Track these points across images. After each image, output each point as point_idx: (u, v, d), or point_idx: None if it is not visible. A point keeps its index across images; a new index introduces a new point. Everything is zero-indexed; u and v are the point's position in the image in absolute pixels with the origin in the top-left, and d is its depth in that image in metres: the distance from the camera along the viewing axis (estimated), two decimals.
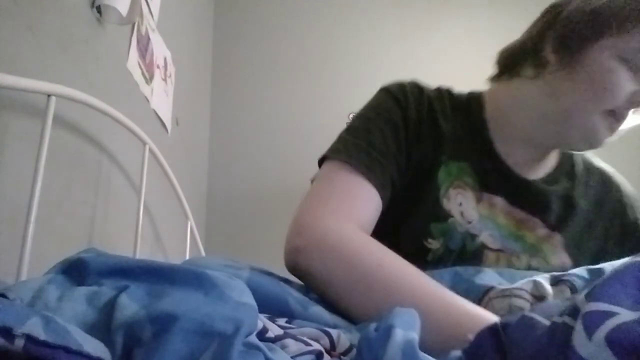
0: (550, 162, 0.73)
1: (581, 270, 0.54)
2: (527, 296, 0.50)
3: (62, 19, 0.86)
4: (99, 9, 0.97)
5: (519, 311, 0.46)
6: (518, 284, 0.53)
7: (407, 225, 0.65)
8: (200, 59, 2.05)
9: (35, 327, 0.24)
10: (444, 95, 0.73)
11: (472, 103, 0.73)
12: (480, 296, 0.53)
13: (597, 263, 0.63)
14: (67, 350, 0.24)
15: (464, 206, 0.66)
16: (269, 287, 0.46)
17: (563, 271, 0.60)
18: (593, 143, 0.65)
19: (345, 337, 0.39)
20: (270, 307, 0.44)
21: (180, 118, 1.62)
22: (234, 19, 2.31)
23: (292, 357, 0.33)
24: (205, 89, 2.13)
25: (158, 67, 1.37)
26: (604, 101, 0.62)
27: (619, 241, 0.72)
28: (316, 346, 0.36)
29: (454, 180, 0.67)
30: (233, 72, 2.23)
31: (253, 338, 0.32)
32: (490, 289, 0.53)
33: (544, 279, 0.53)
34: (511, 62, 0.74)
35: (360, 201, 0.60)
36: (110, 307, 0.30)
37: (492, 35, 2.26)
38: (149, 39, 1.29)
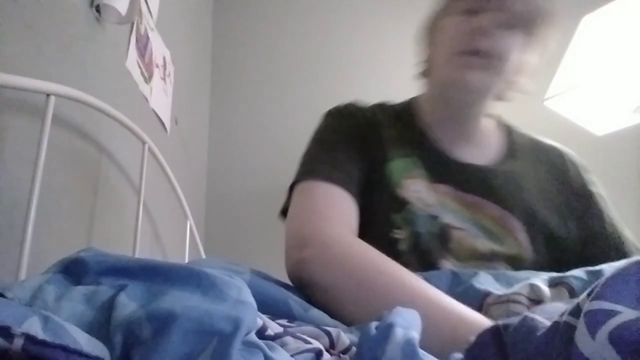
0: (494, 146, 0.79)
1: (579, 272, 0.54)
2: (525, 300, 0.50)
3: (61, 18, 0.86)
4: (98, 8, 0.97)
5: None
6: (515, 289, 0.53)
7: (371, 223, 0.67)
8: (199, 58, 2.05)
9: (33, 327, 0.24)
10: (384, 107, 0.82)
11: (411, 107, 0.82)
12: (478, 303, 0.53)
13: (556, 238, 0.72)
14: (66, 349, 0.24)
15: (421, 193, 0.70)
16: (270, 289, 0.46)
17: (520, 249, 0.68)
18: (459, 85, 0.71)
19: (345, 336, 0.39)
20: (272, 308, 0.44)
21: (180, 117, 1.62)
22: (233, 18, 2.31)
23: (291, 355, 0.33)
24: (204, 88, 2.12)
25: (157, 66, 1.37)
26: (444, 46, 0.72)
27: (576, 214, 0.75)
28: (316, 344, 0.36)
29: (405, 172, 0.72)
30: (232, 72, 2.23)
31: (252, 336, 0.32)
32: (487, 294, 0.53)
33: (541, 281, 0.53)
34: (419, 74, 0.83)
35: (344, 208, 0.64)
36: (109, 306, 0.30)
37: None
38: (148, 38, 1.29)
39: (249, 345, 0.30)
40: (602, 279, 0.26)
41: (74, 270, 0.34)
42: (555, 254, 0.71)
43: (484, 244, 0.68)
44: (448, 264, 0.66)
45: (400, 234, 0.67)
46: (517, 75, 0.75)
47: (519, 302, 0.50)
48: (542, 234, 0.71)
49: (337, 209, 0.63)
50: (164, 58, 1.45)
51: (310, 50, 2.20)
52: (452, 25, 0.72)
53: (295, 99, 2.15)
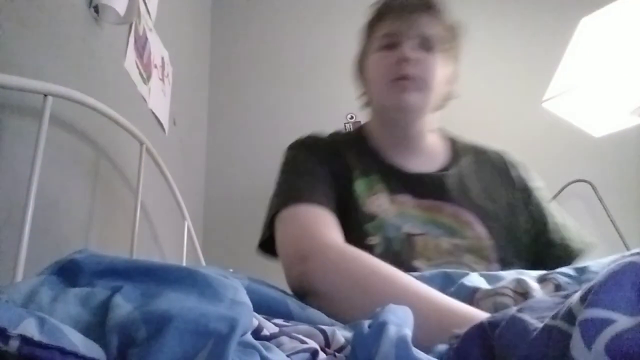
0: (441, 155, 0.89)
1: (566, 268, 0.56)
2: (510, 293, 0.52)
3: (60, 19, 0.86)
4: (96, 9, 0.97)
5: (503, 308, 0.47)
6: (502, 283, 0.55)
7: (348, 233, 0.72)
8: (198, 58, 2.05)
9: (29, 328, 0.24)
10: (339, 135, 0.94)
11: (362, 134, 0.92)
12: (469, 299, 0.55)
13: (509, 227, 0.81)
14: (62, 351, 0.24)
15: (383, 207, 0.78)
16: (269, 291, 0.47)
17: (480, 240, 0.76)
18: (396, 107, 0.83)
19: (339, 334, 0.39)
20: (271, 308, 0.44)
21: (178, 118, 1.62)
22: (232, 18, 2.31)
23: (287, 355, 0.33)
24: (203, 89, 2.12)
25: (155, 66, 1.37)
26: (381, 77, 0.83)
27: (520, 206, 0.85)
28: (311, 344, 0.36)
29: (368, 191, 0.81)
30: (231, 72, 2.22)
31: (248, 337, 0.31)
32: (476, 290, 0.55)
33: (529, 278, 0.55)
34: (363, 105, 0.96)
35: (329, 223, 0.70)
36: (104, 307, 0.30)
37: (488, 37, 2.26)
38: (146, 38, 1.29)
39: (245, 346, 0.30)
40: (596, 282, 0.26)
41: (68, 272, 0.34)
42: (514, 241, 0.80)
43: (446, 241, 0.75)
44: (419, 264, 0.72)
45: (374, 240, 0.75)
46: (444, 86, 0.88)
47: (505, 295, 0.52)
48: (496, 223, 0.80)
49: (324, 224, 0.69)
50: (163, 58, 1.45)
51: (309, 51, 2.20)
52: (378, 60, 0.85)
53: (294, 99, 2.15)
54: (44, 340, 0.24)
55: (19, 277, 0.62)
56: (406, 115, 0.85)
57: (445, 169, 0.86)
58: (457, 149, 0.91)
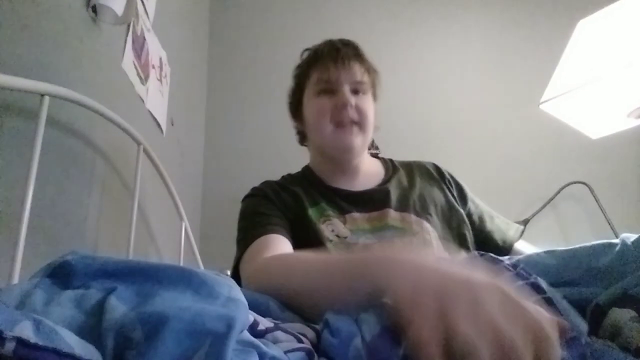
0: (378, 173, 1.02)
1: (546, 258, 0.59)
2: None
3: (57, 19, 0.85)
4: (94, 9, 0.96)
5: None
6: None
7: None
8: (196, 59, 2.05)
9: (25, 330, 0.24)
10: (288, 176, 1.06)
11: (307, 171, 1.06)
12: None
13: (452, 224, 0.94)
14: (58, 352, 0.24)
15: (336, 231, 0.88)
16: (253, 293, 0.48)
17: (429, 234, 0.87)
18: (341, 147, 0.94)
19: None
20: (253, 309, 0.45)
21: (176, 118, 1.62)
22: (230, 19, 2.31)
23: (285, 352, 0.33)
24: (200, 89, 2.12)
25: (153, 67, 1.37)
26: (323, 121, 0.93)
27: (458, 205, 0.98)
28: (307, 343, 0.36)
29: (321, 217, 0.90)
30: (229, 73, 2.22)
31: (246, 334, 0.31)
32: None
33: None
34: (300, 140, 1.12)
35: (275, 245, 0.79)
36: (99, 309, 0.29)
37: (485, 40, 2.27)
38: (144, 39, 1.29)
39: (243, 344, 0.30)
40: None
41: (61, 274, 0.33)
42: (458, 235, 0.92)
43: (400, 242, 0.85)
44: None
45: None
46: (373, 125, 0.98)
47: None
48: (438, 217, 0.93)
49: (271, 248, 0.78)
50: (161, 59, 1.45)
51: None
52: (317, 105, 0.95)
53: None
54: (40, 342, 0.24)
55: (16, 277, 0.62)
56: (349, 155, 0.96)
57: (383, 182, 0.99)
58: (391, 167, 1.05)
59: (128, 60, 1.16)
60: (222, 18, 2.30)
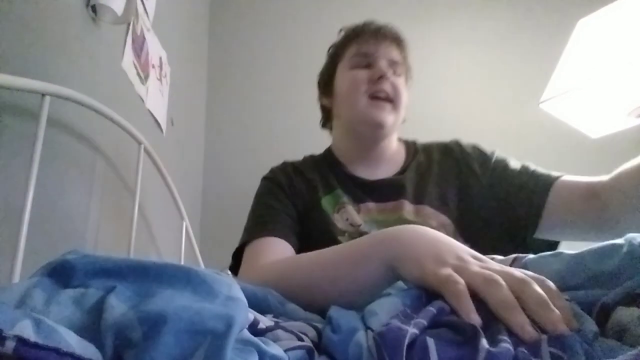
0: (399, 159, 0.97)
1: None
2: None
3: (57, 18, 0.85)
4: (94, 8, 0.96)
5: None
6: None
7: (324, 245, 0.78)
8: (195, 59, 2.05)
9: (26, 329, 0.24)
10: (307, 158, 1.03)
11: (328, 153, 1.02)
12: None
13: (469, 210, 0.85)
14: (58, 351, 0.24)
15: (350, 219, 0.86)
16: (253, 288, 0.48)
17: (445, 228, 0.82)
18: (373, 122, 0.89)
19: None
20: (253, 305, 0.45)
21: (176, 118, 1.62)
22: (229, 18, 2.31)
23: (284, 351, 0.33)
24: (200, 89, 2.12)
25: (153, 66, 1.37)
26: (357, 92, 0.89)
27: (479, 185, 0.89)
28: (307, 342, 0.36)
29: (335, 205, 0.89)
30: (229, 72, 2.22)
31: (245, 333, 0.31)
32: None
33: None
34: (324, 120, 1.08)
35: (279, 251, 0.78)
36: (98, 308, 0.30)
37: (485, 38, 2.27)
38: (144, 38, 1.29)
39: (243, 343, 0.30)
40: None
41: (61, 274, 0.34)
42: (475, 220, 0.85)
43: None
44: None
45: None
46: (404, 109, 0.94)
47: None
48: (457, 207, 0.86)
49: (273, 253, 0.77)
50: (160, 59, 1.45)
51: (307, 51, 2.20)
52: (352, 76, 0.91)
53: (291, 99, 2.15)
54: (40, 341, 0.24)
55: (17, 277, 0.62)
56: (378, 132, 0.91)
57: (402, 171, 0.94)
58: (412, 152, 0.99)
59: (128, 60, 1.16)
60: (222, 18, 2.30)
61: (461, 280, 0.39)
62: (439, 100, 2.12)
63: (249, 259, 0.80)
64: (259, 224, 0.85)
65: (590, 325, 0.33)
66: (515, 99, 2.16)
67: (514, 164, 0.90)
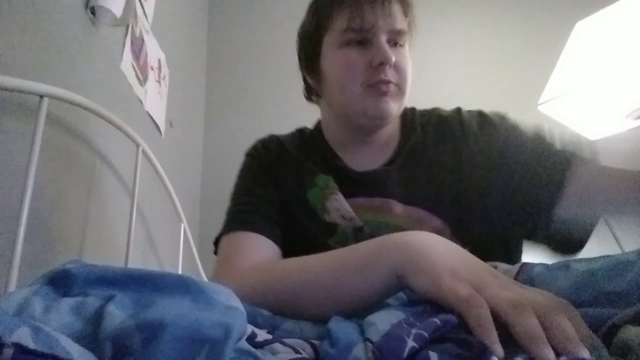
0: (390, 147, 0.80)
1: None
2: None
3: (56, 20, 0.85)
4: (92, 10, 0.96)
5: None
6: None
7: (311, 249, 0.67)
8: (194, 61, 2.05)
9: (24, 336, 0.24)
10: (295, 134, 0.90)
11: (316, 134, 0.87)
12: None
13: (473, 207, 0.72)
14: (57, 359, 0.24)
15: (342, 210, 0.74)
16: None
17: (439, 234, 0.66)
18: (373, 115, 0.73)
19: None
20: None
21: (174, 120, 1.62)
22: (228, 21, 2.31)
23: None
24: (199, 91, 2.12)
25: (152, 69, 1.37)
26: (352, 81, 0.72)
27: (482, 169, 0.74)
28: (305, 355, 0.36)
29: (324, 191, 0.76)
30: (227, 75, 2.22)
31: (243, 342, 0.31)
32: None
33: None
34: (307, 96, 0.91)
35: (256, 248, 0.70)
36: (97, 317, 0.29)
37: (483, 40, 2.27)
38: (143, 40, 1.29)
39: (241, 352, 0.30)
40: None
41: (60, 282, 0.33)
42: (481, 223, 0.71)
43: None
44: None
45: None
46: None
47: None
48: (455, 211, 0.71)
49: (251, 250, 0.69)
50: (159, 61, 1.45)
51: None
52: (345, 58, 0.73)
53: (291, 101, 2.15)
54: (39, 348, 0.24)
55: (14, 279, 0.62)
56: (380, 123, 0.75)
57: (390, 161, 0.78)
58: (407, 130, 0.82)
59: (127, 62, 1.16)
60: (220, 20, 2.30)
61: (484, 304, 0.36)
62: (437, 102, 2.12)
63: (226, 256, 0.70)
64: (240, 212, 0.76)
65: (606, 356, 0.32)
66: (513, 100, 2.16)
67: (527, 137, 0.76)
